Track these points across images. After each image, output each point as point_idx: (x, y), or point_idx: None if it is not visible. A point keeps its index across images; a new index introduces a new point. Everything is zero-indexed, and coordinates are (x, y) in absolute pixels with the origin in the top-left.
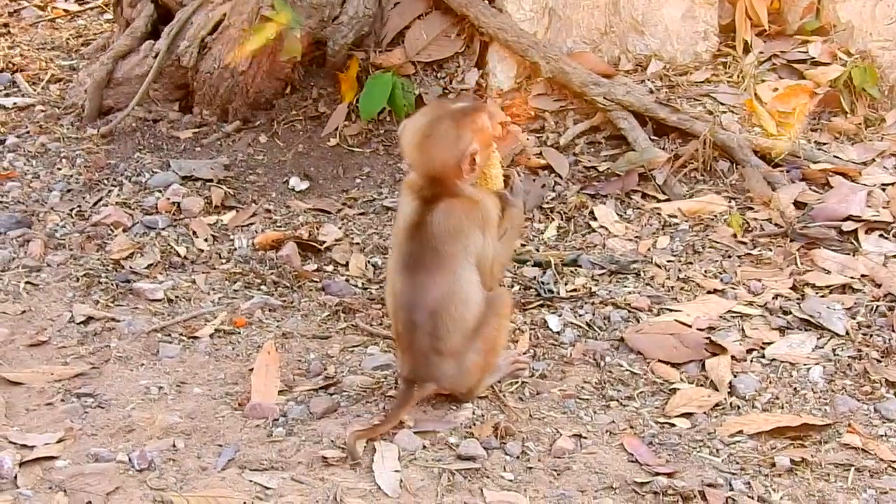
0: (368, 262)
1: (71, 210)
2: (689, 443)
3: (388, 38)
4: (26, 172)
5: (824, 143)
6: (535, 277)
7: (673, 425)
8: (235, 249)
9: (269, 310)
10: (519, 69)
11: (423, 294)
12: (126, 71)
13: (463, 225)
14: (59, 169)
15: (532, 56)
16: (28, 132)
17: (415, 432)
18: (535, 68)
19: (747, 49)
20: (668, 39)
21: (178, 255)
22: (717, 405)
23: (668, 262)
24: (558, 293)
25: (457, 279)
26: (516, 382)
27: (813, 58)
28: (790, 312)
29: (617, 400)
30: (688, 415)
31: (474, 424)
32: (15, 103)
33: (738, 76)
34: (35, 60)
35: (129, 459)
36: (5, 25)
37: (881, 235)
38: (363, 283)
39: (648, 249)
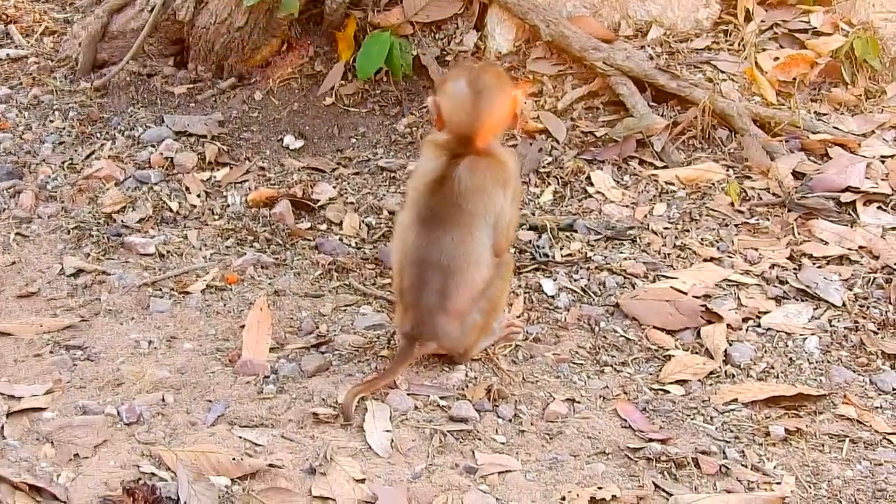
0: (362, 221)
1: (63, 163)
2: (682, 410)
3: None
4: (18, 124)
5: (824, 114)
6: (530, 241)
7: (667, 392)
8: (228, 206)
9: (262, 267)
10: (518, 32)
11: (438, 251)
12: (121, 24)
13: (487, 183)
14: (52, 121)
15: (532, 19)
16: (21, 84)
17: (407, 393)
18: (535, 32)
19: (749, 17)
20: (668, 6)
21: (171, 211)
22: (711, 373)
23: (665, 229)
24: (553, 257)
25: (473, 239)
26: (510, 346)
27: (815, 28)
28: (787, 282)
29: (611, 365)
30: (682, 382)
31: (467, 387)
32: (8, 55)
33: (739, 44)
34: (29, 12)
35: (118, 413)
36: None
37: (879, 207)
38: (357, 243)
39: (645, 216)
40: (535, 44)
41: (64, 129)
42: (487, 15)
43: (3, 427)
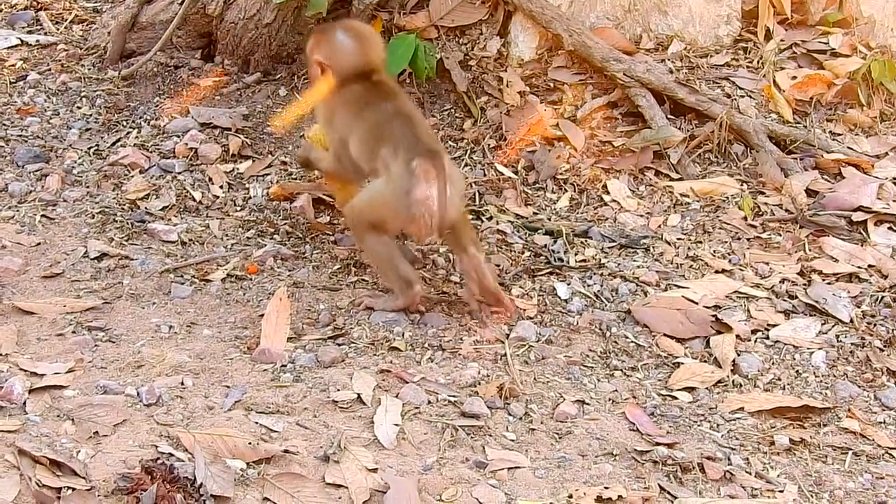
0: None
1: (89, 148)
2: (690, 416)
3: (413, 1)
4: (46, 109)
5: (839, 134)
6: (545, 245)
7: (675, 398)
8: (250, 198)
9: (281, 259)
10: (541, 40)
11: None
12: (151, 16)
13: None
14: (79, 108)
15: (555, 28)
16: (49, 70)
17: (421, 388)
18: (557, 40)
19: (768, 36)
20: (690, 21)
21: (194, 200)
22: (719, 382)
23: (678, 239)
24: (568, 262)
25: None
26: (523, 346)
27: (833, 49)
28: (796, 297)
29: (621, 370)
30: (690, 389)
31: (479, 384)
32: (38, 41)
33: (758, 62)
34: (59, 0)
35: (138, 394)
36: None
37: (890, 228)
38: None
39: (659, 226)
40: (558, 52)
41: (91, 115)
42: (511, 22)
43: (25, 403)
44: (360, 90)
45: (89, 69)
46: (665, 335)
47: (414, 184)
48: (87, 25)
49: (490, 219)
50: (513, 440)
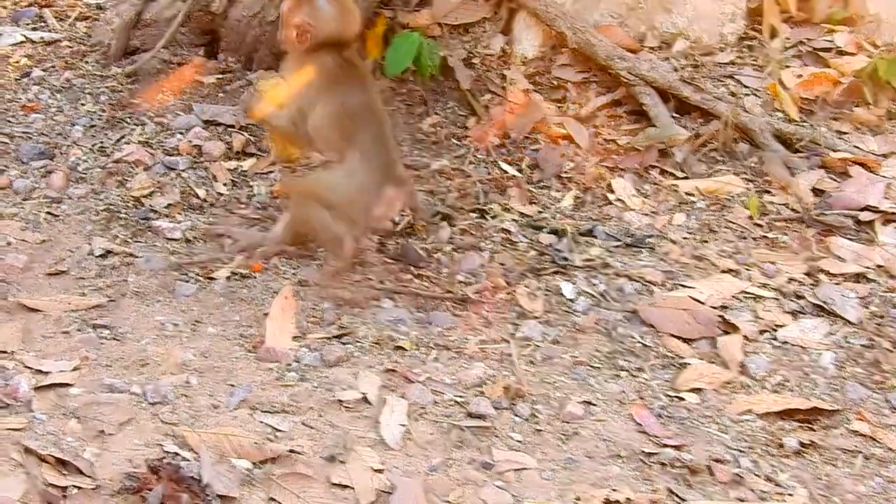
0: None
1: (93, 145)
2: (697, 417)
3: None
4: (50, 106)
5: (845, 133)
6: (550, 244)
7: (682, 399)
8: (254, 196)
9: (286, 257)
10: (544, 38)
11: None
12: (155, 13)
13: None
14: (83, 104)
15: (559, 26)
16: (54, 66)
17: (426, 388)
18: (561, 38)
19: (774, 34)
20: (695, 19)
21: (198, 198)
22: (727, 383)
23: (684, 238)
24: (573, 261)
25: None
26: (529, 346)
27: (839, 47)
28: (803, 297)
29: (627, 370)
30: (697, 390)
31: (485, 384)
32: (42, 38)
33: (763, 60)
34: None
35: (143, 392)
36: None
37: None
38: (379, 238)
39: (664, 225)
40: (561, 50)
41: (95, 112)
42: (515, 20)
43: (31, 401)
44: (331, 64)
45: (93, 66)
46: (671, 335)
47: (378, 205)
48: (90, 22)
49: (494, 217)
50: (519, 441)
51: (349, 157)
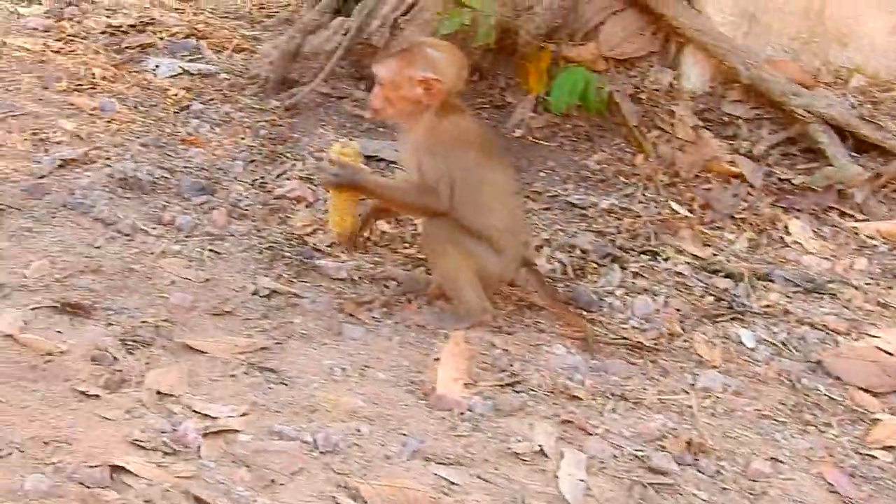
0: (552, 257)
1: (254, 181)
2: (892, 478)
3: (582, 32)
4: (210, 140)
5: None
6: (726, 289)
7: (875, 458)
8: (419, 234)
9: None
10: (714, 73)
11: None
12: (314, 46)
13: None
14: (243, 139)
15: (731, 61)
16: (212, 99)
17: (605, 441)
18: (733, 73)
19: None
20: (872, 54)
21: (361, 236)
22: None
23: (867, 284)
24: (751, 307)
25: None
26: (709, 397)
27: None
28: None
29: (814, 425)
30: (891, 448)
31: (665, 437)
32: (199, 70)
33: None
34: (219, 29)
35: (314, 440)
36: None
37: None
38: (548, 281)
39: (845, 270)
40: (732, 86)
41: (254, 147)
42: (683, 54)
43: (199, 447)
44: (466, 124)
45: (251, 99)
46: (859, 388)
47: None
48: (247, 54)
49: (667, 259)
50: (704, 500)
51: (490, 233)
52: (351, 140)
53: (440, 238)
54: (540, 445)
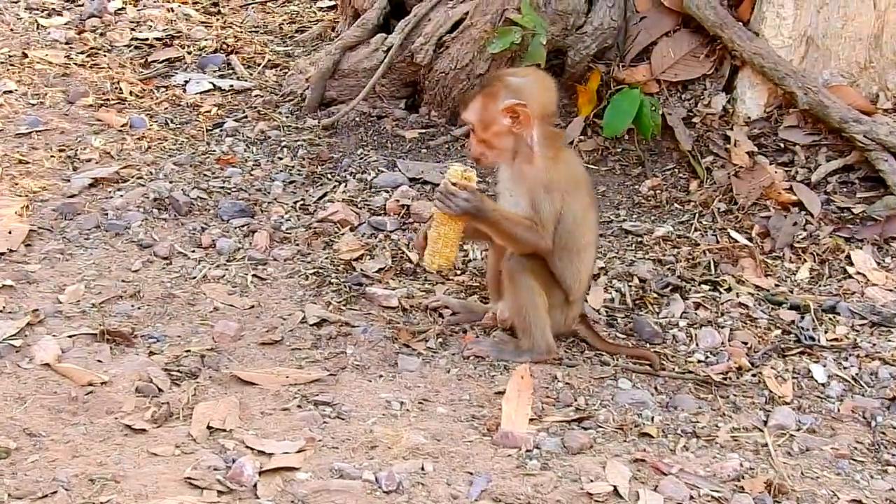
0: (609, 286)
1: (295, 203)
2: None
3: (633, 53)
4: (247, 159)
5: None
6: (792, 321)
7: None
8: (470, 260)
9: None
10: (770, 97)
11: None
12: (353, 63)
13: None
14: (281, 158)
15: (789, 85)
16: (246, 117)
17: (681, 481)
18: (789, 98)
19: None
20: None
21: (410, 262)
22: None
23: None
24: (819, 341)
25: None
26: (783, 435)
27: None
28: None
29: (894, 465)
30: None
31: (743, 477)
32: (231, 86)
33: None
34: (249, 43)
35: (376, 479)
36: (215, 4)
37: None
38: (607, 311)
39: None
40: (789, 111)
41: (293, 167)
42: (738, 77)
43: (255, 485)
44: (578, 161)
45: (287, 117)
46: None
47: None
48: (280, 70)
49: (729, 290)
50: None
51: (577, 277)
52: (466, 166)
53: (526, 268)
54: (614, 486)
